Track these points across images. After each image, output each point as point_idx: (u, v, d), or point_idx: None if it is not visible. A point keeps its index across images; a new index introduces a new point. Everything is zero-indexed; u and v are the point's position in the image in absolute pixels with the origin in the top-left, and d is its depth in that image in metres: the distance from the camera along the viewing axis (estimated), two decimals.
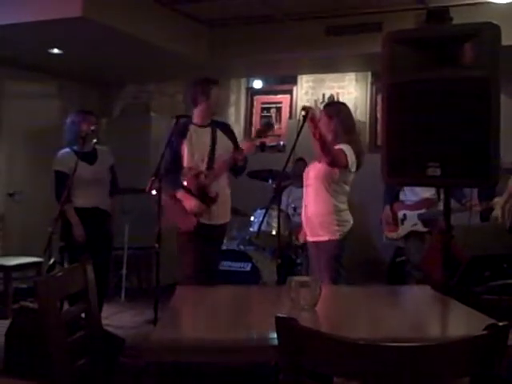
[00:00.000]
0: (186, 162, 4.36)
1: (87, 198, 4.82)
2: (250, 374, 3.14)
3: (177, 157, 4.35)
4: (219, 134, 4.47)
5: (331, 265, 3.98)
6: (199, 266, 4.29)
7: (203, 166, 4.36)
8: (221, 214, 4.44)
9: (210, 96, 4.41)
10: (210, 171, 4.34)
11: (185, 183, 4.35)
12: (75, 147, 4.78)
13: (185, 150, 4.36)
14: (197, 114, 4.47)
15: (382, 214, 5.32)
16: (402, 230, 5.21)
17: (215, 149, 4.40)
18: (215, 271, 4.63)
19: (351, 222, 4.09)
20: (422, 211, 5.08)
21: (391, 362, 1.39)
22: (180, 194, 4.30)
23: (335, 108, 4.23)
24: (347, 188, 4.10)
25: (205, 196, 4.32)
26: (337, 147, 3.97)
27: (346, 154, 3.96)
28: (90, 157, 4.86)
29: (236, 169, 4.46)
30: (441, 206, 4.89)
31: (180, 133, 4.36)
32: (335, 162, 3.92)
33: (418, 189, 5.06)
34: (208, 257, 4.40)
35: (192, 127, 4.42)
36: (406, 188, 5.17)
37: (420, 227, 5.09)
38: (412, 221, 5.14)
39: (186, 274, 4.28)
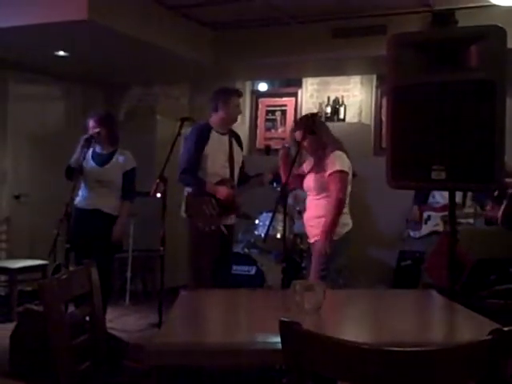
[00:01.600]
0: (208, 167, 4.55)
1: (88, 199, 4.90)
2: (254, 378, 3.13)
3: (198, 159, 4.53)
4: (234, 143, 4.72)
5: (320, 262, 4.07)
6: (215, 265, 4.50)
7: (227, 173, 4.60)
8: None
9: (229, 105, 4.62)
10: (241, 188, 4.71)
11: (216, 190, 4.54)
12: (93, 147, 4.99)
13: (207, 155, 4.55)
14: (215, 121, 4.67)
15: (410, 214, 5.56)
16: (425, 229, 5.46)
17: (233, 157, 4.65)
18: (228, 273, 4.81)
19: (350, 225, 4.17)
20: (446, 213, 5.20)
21: (395, 367, 1.38)
22: (209, 187, 4.50)
23: (316, 122, 4.30)
24: (348, 188, 4.16)
25: (231, 205, 4.58)
26: (331, 159, 4.09)
27: (340, 172, 4.06)
28: (101, 158, 4.98)
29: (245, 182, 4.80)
30: (466, 210, 5.07)
31: (203, 137, 4.57)
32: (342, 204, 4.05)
33: (446, 193, 5.18)
34: (223, 256, 4.62)
35: (213, 133, 4.62)
36: (435, 191, 5.31)
37: (441, 228, 5.28)
38: (435, 221, 5.37)
39: (202, 273, 4.47)
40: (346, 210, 4.14)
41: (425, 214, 5.45)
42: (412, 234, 5.58)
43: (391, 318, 2.40)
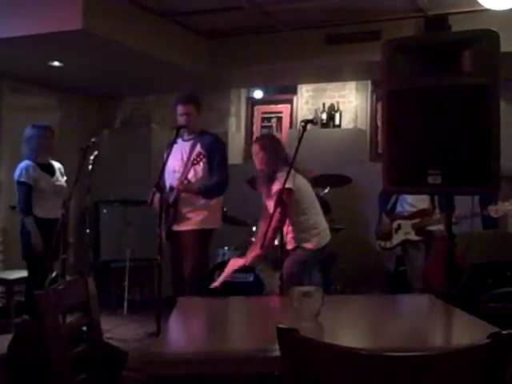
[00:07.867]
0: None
1: (51, 209, 5.05)
2: None
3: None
4: (197, 148, 4.69)
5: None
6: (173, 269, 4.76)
7: (175, 177, 4.66)
8: (185, 220, 4.70)
9: (177, 114, 4.75)
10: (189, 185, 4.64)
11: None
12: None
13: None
14: None
15: (380, 223, 5.41)
16: (395, 238, 5.30)
17: (186, 163, 4.64)
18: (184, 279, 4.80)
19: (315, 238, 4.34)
20: (417, 221, 5.13)
21: (394, 372, 1.38)
22: None
23: (268, 140, 4.62)
24: (305, 202, 4.32)
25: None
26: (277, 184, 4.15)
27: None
28: (49, 169, 5.20)
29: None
30: (437, 215, 4.98)
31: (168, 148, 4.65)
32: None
33: (415, 200, 5.12)
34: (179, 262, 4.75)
35: (178, 141, 4.69)
36: (402, 200, 5.24)
37: (412, 236, 5.18)
38: (405, 229, 5.23)
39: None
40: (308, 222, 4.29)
41: (394, 224, 5.28)
42: (382, 244, 5.41)
43: (389, 323, 2.40)
